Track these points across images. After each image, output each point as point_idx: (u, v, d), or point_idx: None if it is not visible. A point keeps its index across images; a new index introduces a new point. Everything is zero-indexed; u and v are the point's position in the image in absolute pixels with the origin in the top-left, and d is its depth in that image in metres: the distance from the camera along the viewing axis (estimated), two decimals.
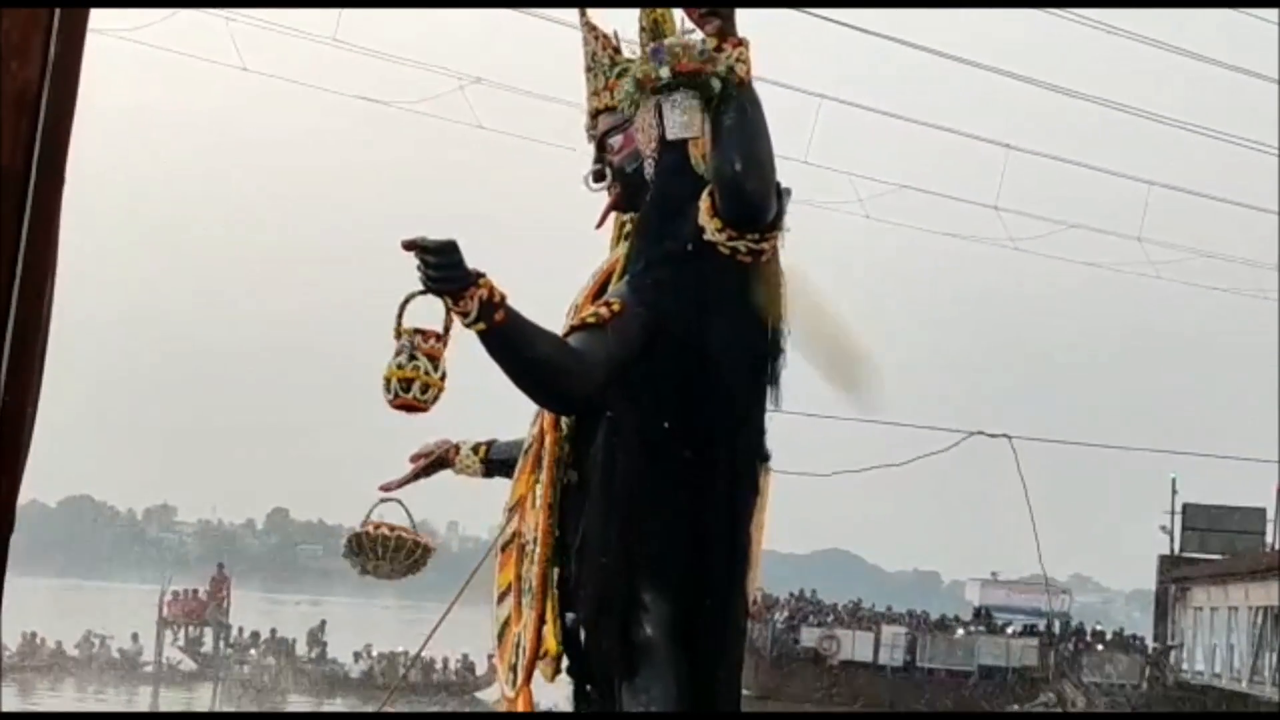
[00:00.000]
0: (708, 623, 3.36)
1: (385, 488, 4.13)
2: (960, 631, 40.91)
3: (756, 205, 3.26)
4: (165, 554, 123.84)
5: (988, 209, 30.38)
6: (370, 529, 4.06)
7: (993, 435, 6.85)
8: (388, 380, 3.19)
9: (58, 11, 1.46)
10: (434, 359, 3.19)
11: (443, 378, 3.21)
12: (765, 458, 3.50)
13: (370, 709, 28.58)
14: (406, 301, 3.21)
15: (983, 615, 43.45)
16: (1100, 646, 40.55)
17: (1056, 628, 42.41)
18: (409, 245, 3.11)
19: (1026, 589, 51.66)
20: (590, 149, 3.82)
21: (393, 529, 4.06)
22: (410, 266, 3.15)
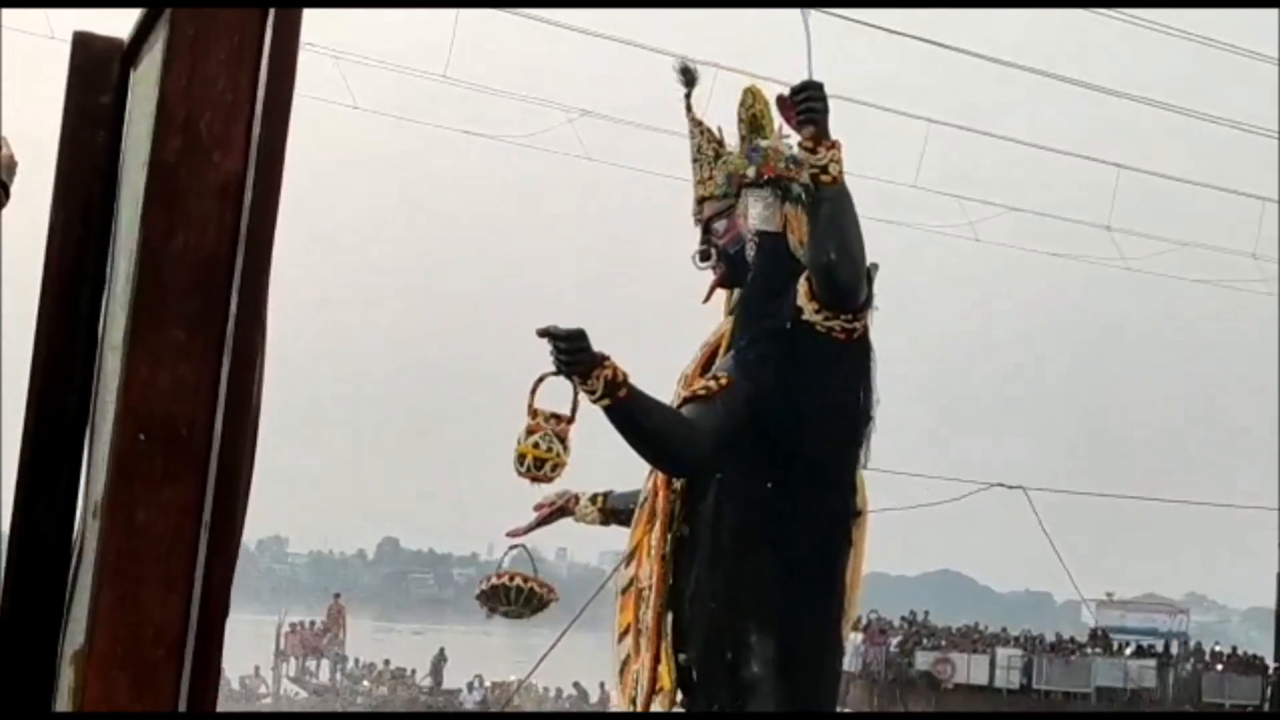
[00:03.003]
0: (807, 660, 3.71)
1: (513, 534, 4.43)
2: (1076, 653, 40.39)
3: (848, 291, 3.62)
4: (278, 585, 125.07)
5: (1099, 229, 30.12)
6: (506, 580, 4.21)
7: (1010, 487, 6.88)
8: (523, 455, 3.51)
9: (261, 100, 1.48)
10: (563, 440, 3.52)
11: (567, 454, 3.54)
12: (857, 512, 3.83)
13: None
14: (539, 382, 3.52)
15: (1099, 636, 42.77)
16: (1220, 666, 39.86)
17: (1174, 648, 41.76)
18: (543, 333, 3.46)
19: (1142, 608, 50.91)
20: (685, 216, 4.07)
21: (526, 580, 4.27)
22: (527, 331, 3.46)
